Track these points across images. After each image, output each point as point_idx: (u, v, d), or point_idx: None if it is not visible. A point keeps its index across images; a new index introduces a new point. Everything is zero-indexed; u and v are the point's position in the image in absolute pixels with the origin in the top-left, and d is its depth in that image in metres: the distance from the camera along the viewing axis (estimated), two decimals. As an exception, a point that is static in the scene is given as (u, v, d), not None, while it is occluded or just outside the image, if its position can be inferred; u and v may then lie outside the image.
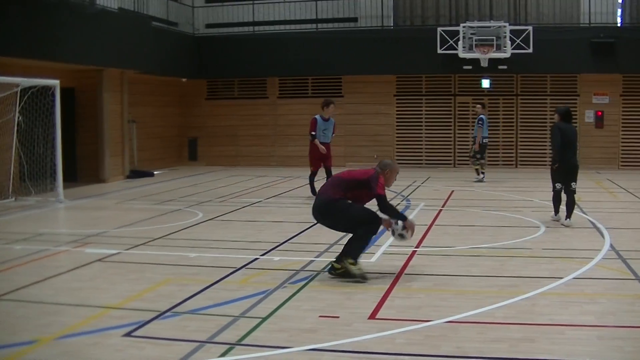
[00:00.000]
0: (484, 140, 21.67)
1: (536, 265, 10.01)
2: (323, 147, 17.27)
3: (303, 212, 14.44)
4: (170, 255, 10.71)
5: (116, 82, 23.07)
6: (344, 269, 9.00)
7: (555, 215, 13.81)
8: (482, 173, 21.86)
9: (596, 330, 7.05)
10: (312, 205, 9.42)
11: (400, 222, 9.13)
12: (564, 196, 13.50)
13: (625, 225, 13.41)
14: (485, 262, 10.19)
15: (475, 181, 21.61)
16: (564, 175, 13.40)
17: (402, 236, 9.20)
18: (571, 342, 6.71)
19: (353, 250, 9.07)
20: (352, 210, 9.07)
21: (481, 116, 21.79)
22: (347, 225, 9.19)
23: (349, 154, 26.94)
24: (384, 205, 9.01)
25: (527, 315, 7.56)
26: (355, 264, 9.00)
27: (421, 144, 27.58)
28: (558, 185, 13.53)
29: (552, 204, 13.94)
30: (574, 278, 9.17)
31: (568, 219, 13.36)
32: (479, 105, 22.40)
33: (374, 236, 9.32)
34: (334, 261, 9.26)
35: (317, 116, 17.64)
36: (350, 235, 9.22)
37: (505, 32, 25.05)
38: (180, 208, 16.05)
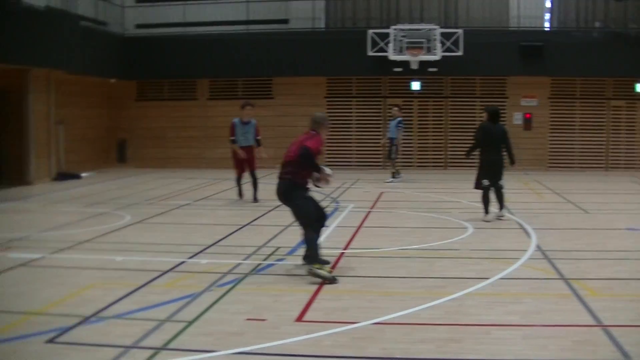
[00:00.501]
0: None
1: (463, 266, 10.09)
2: (242, 152, 16.92)
3: (232, 214, 14.36)
4: (96, 259, 10.51)
5: (43, 82, 22.64)
6: (313, 274, 9.07)
7: (486, 214, 14.03)
8: (399, 174, 22.50)
9: (521, 330, 7.12)
10: (276, 189, 9.91)
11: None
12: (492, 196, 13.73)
13: (551, 226, 13.62)
14: (413, 264, 10.24)
15: (389, 182, 22.00)
16: (490, 172, 13.84)
17: (317, 184, 9.75)
18: (497, 341, 6.77)
19: (311, 256, 9.35)
20: (303, 208, 9.58)
21: (399, 118, 22.21)
22: (298, 219, 9.72)
23: (279, 156, 26.51)
24: (309, 160, 9.52)
25: (454, 315, 7.60)
26: (321, 267, 9.15)
27: (351, 146, 27.66)
28: (485, 182, 13.89)
29: (482, 204, 14.18)
30: (501, 278, 9.27)
31: (502, 209, 13.95)
32: (395, 108, 22.80)
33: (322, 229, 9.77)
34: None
35: (235, 120, 17.32)
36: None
37: (435, 35, 25.30)
38: (108, 211, 15.79)
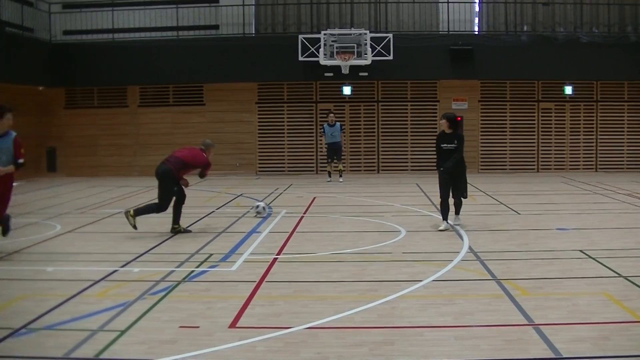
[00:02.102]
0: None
1: (396, 269, 10.13)
2: None
3: (165, 222, 14.21)
4: (26, 270, 10.30)
5: (-33, 91, 22.18)
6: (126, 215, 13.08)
7: (445, 221, 13.58)
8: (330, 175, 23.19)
9: (454, 331, 7.18)
10: (156, 168, 13.41)
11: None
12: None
13: (483, 228, 13.77)
14: (346, 268, 10.24)
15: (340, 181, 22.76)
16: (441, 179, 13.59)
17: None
18: (429, 343, 6.81)
19: (140, 211, 13.23)
20: (169, 193, 13.22)
21: (338, 123, 22.94)
22: (159, 197, 13.26)
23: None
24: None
25: (387, 318, 7.62)
26: (134, 220, 13.00)
27: (283, 152, 27.65)
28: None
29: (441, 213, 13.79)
30: (433, 280, 9.34)
31: (457, 216, 13.84)
32: (332, 114, 23.35)
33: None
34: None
35: None
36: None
37: (366, 40, 25.44)
38: (37, 221, 15.50)
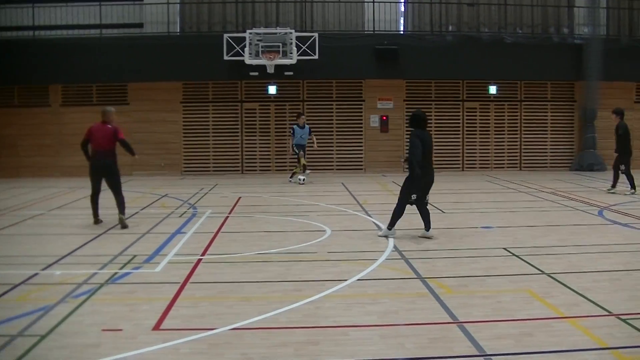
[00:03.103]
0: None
1: (321, 268, 10.12)
2: None
3: (88, 223, 13.98)
4: (-59, 274, 10.01)
5: None
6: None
7: (391, 229, 12.83)
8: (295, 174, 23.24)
9: (379, 330, 7.20)
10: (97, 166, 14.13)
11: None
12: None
13: (408, 227, 13.82)
14: (271, 268, 10.18)
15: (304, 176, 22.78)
16: (423, 186, 12.70)
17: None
18: (355, 342, 6.81)
19: (122, 205, 14.07)
20: (119, 180, 14.27)
21: (293, 126, 22.92)
22: (118, 186, 14.21)
23: (135, 163, 25.95)
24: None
25: (312, 318, 7.60)
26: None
27: (208, 151, 27.43)
28: (414, 196, 12.54)
29: (391, 217, 12.89)
30: (358, 280, 9.35)
31: (429, 230, 12.75)
32: (303, 116, 23.38)
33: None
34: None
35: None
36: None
37: (291, 39, 25.39)
38: (-46, 223, 15.11)
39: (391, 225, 12.78)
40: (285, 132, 27.21)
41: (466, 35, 27.62)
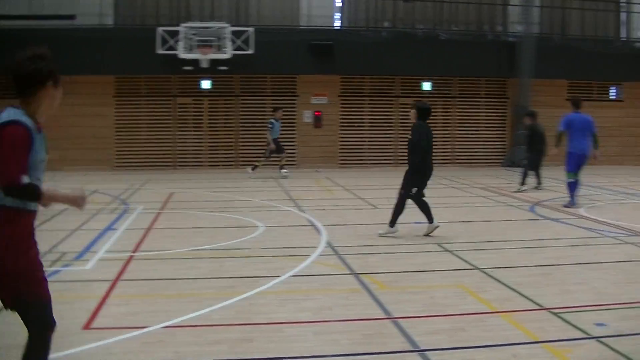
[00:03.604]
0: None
1: (254, 264, 10.04)
2: None
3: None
4: None
5: None
6: None
7: (392, 226, 12.45)
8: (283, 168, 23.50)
9: (313, 326, 7.15)
10: None
11: None
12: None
13: (341, 222, 13.86)
14: (203, 264, 10.05)
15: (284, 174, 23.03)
16: (424, 179, 12.56)
17: None
18: (289, 339, 6.75)
19: None
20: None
21: (271, 120, 23.02)
22: None
23: (66, 158, 25.56)
24: None
25: (245, 315, 7.51)
26: None
27: (141, 146, 27.08)
28: (415, 189, 12.35)
29: (392, 214, 12.52)
30: (292, 276, 9.30)
31: (433, 222, 12.51)
32: (280, 110, 23.61)
33: None
34: None
35: None
36: None
37: (226, 33, 25.24)
38: None
39: (393, 222, 12.40)
40: (216, 127, 27.12)
41: (401, 32, 27.81)
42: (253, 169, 23.45)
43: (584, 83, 29.33)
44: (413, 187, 12.33)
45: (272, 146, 23.07)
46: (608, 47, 29.17)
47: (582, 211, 15.57)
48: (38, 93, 4.63)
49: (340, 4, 28.29)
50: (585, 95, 28.65)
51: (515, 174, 24.52)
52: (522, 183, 19.43)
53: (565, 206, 16.18)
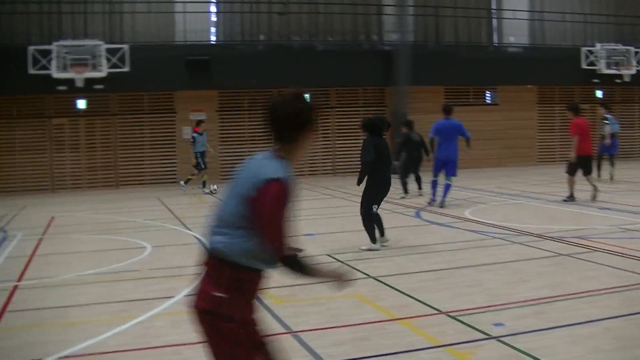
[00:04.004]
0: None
1: (146, 286, 9.79)
2: None
3: None
4: None
5: None
6: None
7: (375, 242, 12.12)
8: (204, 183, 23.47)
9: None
10: None
11: None
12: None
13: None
14: (93, 289, 9.74)
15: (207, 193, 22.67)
16: (381, 194, 12.31)
17: None
18: (189, 361, 6.59)
19: None
20: None
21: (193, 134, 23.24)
22: None
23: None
24: None
25: (143, 339, 7.30)
26: None
27: (16, 170, 26.13)
28: (375, 207, 12.15)
29: (366, 232, 12.22)
30: (186, 296, 9.07)
31: (384, 235, 12.37)
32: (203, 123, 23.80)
33: None
34: None
35: None
36: None
37: (100, 51, 24.67)
38: None
39: (373, 239, 12.09)
40: (94, 147, 26.44)
41: (278, 44, 27.82)
42: (186, 182, 23.77)
43: (460, 88, 30.09)
44: (374, 204, 12.11)
45: (194, 161, 23.21)
46: (481, 53, 29.99)
47: (467, 214, 15.90)
48: (299, 137, 4.24)
49: (215, 19, 28.08)
50: (462, 100, 29.54)
51: (395, 182, 24.87)
52: (405, 191, 19.75)
53: (428, 203, 17.52)
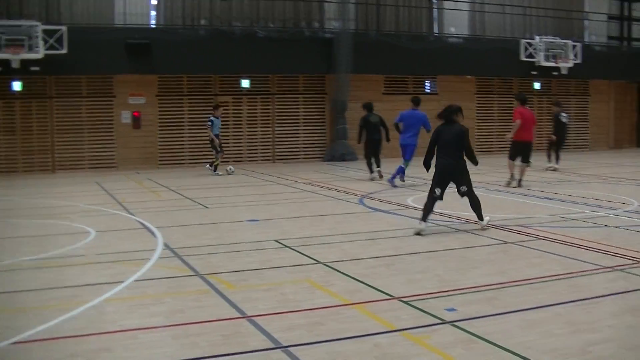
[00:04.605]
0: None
1: (95, 271, 9.68)
2: None
3: None
4: None
5: None
6: None
7: (424, 221, 12.18)
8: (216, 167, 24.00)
9: (169, 330, 6.98)
10: None
11: None
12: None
13: (175, 223, 13.63)
14: (41, 275, 9.55)
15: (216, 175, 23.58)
16: (440, 179, 12.37)
17: None
18: (147, 345, 6.55)
19: None
20: None
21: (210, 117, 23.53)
22: None
23: None
24: None
25: (98, 324, 7.22)
26: None
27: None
28: (438, 190, 12.28)
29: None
30: (136, 280, 9.04)
31: (483, 220, 12.48)
32: (220, 108, 24.33)
33: None
34: None
35: None
36: None
37: (37, 32, 24.17)
38: None
39: (424, 218, 12.17)
40: (30, 130, 25.96)
41: (218, 30, 27.63)
42: (212, 167, 23.95)
43: (400, 77, 30.31)
44: (435, 189, 12.32)
45: (216, 141, 23.58)
46: (422, 43, 30.17)
47: (410, 201, 16.06)
48: None
49: (155, 2, 27.75)
50: (402, 89, 29.75)
51: (338, 168, 25.03)
52: (371, 171, 20.92)
53: (389, 181, 19.43)
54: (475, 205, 12.46)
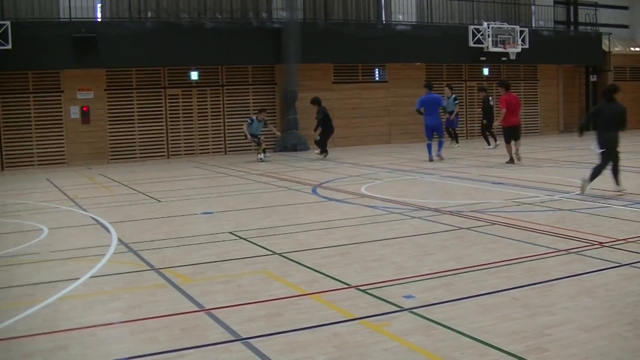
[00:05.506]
0: None
1: (48, 269, 9.55)
2: None
3: None
4: None
5: None
6: None
7: (590, 181, 14.26)
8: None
9: (127, 326, 6.90)
10: None
11: None
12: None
13: (128, 218, 13.50)
14: (-8, 273, 9.44)
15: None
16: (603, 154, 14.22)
17: None
18: (105, 342, 6.48)
19: None
20: None
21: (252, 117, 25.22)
22: None
23: None
24: None
25: (53, 322, 7.11)
26: None
27: None
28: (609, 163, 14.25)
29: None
30: (91, 277, 8.94)
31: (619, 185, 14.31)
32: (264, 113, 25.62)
33: None
34: None
35: None
36: None
37: (-20, 28, 23.79)
38: None
39: (591, 179, 14.17)
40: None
41: (166, 22, 27.41)
42: (263, 154, 25.17)
43: (349, 66, 30.36)
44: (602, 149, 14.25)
45: (249, 137, 24.88)
46: (370, 31, 30.24)
47: (363, 190, 16.10)
48: None
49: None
50: (351, 77, 29.82)
51: (290, 158, 25.02)
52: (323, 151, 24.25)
53: (430, 160, 22.35)
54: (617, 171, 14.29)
